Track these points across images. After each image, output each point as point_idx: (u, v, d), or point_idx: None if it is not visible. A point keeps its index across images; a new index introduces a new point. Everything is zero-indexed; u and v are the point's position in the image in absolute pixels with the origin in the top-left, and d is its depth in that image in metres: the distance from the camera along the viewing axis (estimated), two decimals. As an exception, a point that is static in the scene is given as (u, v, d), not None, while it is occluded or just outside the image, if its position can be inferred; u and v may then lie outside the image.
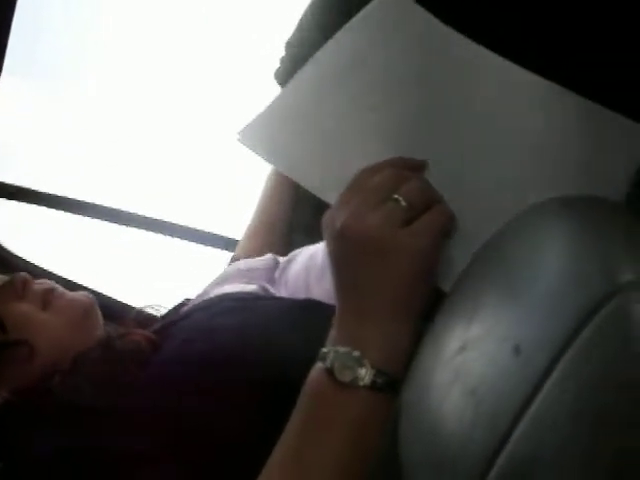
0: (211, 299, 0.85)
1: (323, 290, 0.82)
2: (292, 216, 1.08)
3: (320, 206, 0.61)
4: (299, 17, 0.90)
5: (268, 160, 0.67)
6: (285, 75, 0.92)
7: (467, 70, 0.59)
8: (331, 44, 0.63)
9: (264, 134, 0.65)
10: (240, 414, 0.64)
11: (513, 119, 0.57)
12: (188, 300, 0.94)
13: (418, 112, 0.60)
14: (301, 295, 0.87)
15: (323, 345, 0.55)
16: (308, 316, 0.74)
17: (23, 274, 0.80)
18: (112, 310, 0.93)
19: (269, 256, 0.98)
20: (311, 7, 0.87)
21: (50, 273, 1.51)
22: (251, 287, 0.89)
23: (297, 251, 0.95)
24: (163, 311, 0.93)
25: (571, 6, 0.59)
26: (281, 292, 0.91)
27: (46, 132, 1.88)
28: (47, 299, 0.79)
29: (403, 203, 0.53)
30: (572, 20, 0.59)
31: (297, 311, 0.77)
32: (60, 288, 0.82)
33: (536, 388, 0.34)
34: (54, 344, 0.75)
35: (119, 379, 0.68)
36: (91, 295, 0.83)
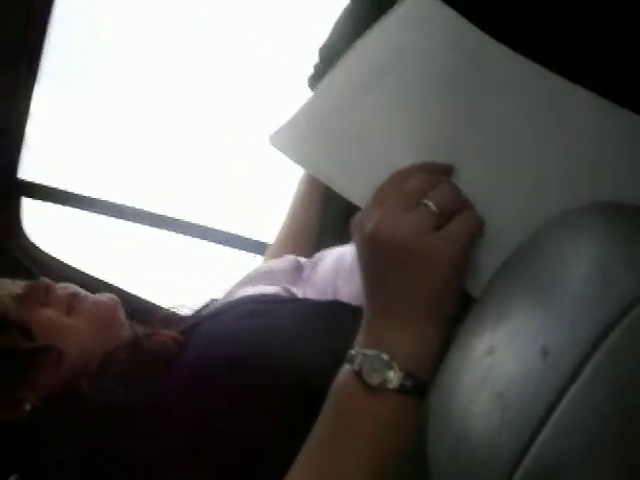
0: (234, 301, 0.86)
1: (351, 291, 0.82)
2: (322, 220, 1.08)
3: (349, 209, 0.61)
4: (332, 23, 0.90)
5: (299, 163, 0.67)
6: (318, 81, 0.93)
7: (498, 74, 0.58)
8: (360, 46, 0.62)
9: (295, 137, 0.65)
10: (265, 417, 0.64)
11: (544, 124, 0.57)
12: (214, 300, 0.95)
13: (448, 116, 0.59)
14: (329, 296, 0.87)
15: (348, 347, 0.55)
16: (332, 318, 0.74)
17: (45, 280, 0.80)
18: (139, 309, 0.93)
19: (290, 257, 0.98)
20: (344, 13, 0.87)
21: (77, 271, 1.53)
22: (273, 288, 0.90)
23: (324, 252, 0.95)
24: (189, 311, 0.94)
25: (579, 9, 0.58)
26: (308, 292, 0.91)
27: (72, 133, 1.91)
28: (71, 304, 0.79)
29: (433, 208, 0.54)
30: (580, 22, 0.58)
31: (321, 314, 0.77)
32: (83, 292, 0.82)
33: (563, 391, 0.34)
34: (81, 348, 0.76)
35: (146, 380, 0.69)
36: (115, 296, 0.83)
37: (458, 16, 0.59)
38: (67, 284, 0.83)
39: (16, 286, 0.79)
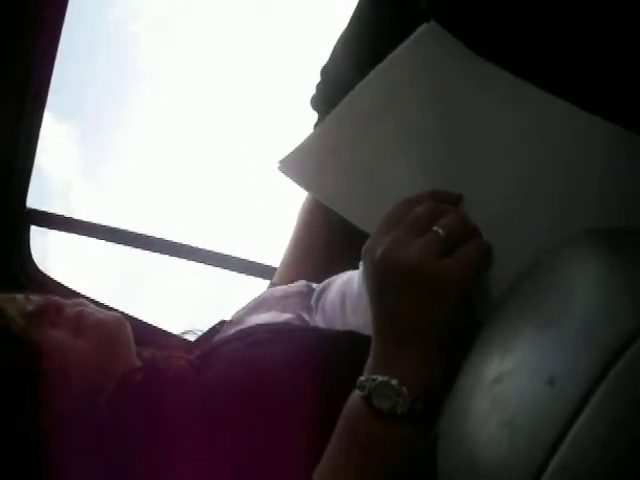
0: (249, 328, 0.86)
1: (359, 319, 0.82)
2: (327, 242, 1.08)
3: (354, 233, 0.61)
4: (333, 44, 0.90)
5: (307, 189, 0.68)
6: (321, 101, 0.93)
7: (506, 103, 0.59)
8: (371, 77, 0.64)
9: (304, 164, 0.66)
10: (277, 444, 0.64)
11: (549, 152, 0.57)
12: (223, 322, 0.94)
13: (455, 145, 0.60)
14: (337, 322, 0.87)
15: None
16: (345, 349, 0.74)
17: (56, 299, 0.80)
18: (148, 335, 0.93)
19: (302, 282, 0.99)
20: (344, 33, 0.87)
21: (86, 298, 1.52)
22: (286, 315, 0.90)
23: (332, 278, 0.95)
24: (196, 336, 0.93)
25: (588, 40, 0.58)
26: (317, 319, 0.91)
27: (81, 161, 1.93)
28: (79, 323, 0.78)
29: (442, 234, 0.54)
30: (588, 54, 0.58)
31: (334, 344, 0.77)
32: (90, 307, 0.81)
33: (570, 421, 0.34)
34: (87, 369, 0.75)
35: (162, 401, 0.69)
36: (120, 316, 0.82)
37: (465, 48, 0.60)
38: (77, 300, 0.82)
39: (29, 303, 0.78)
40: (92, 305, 0.82)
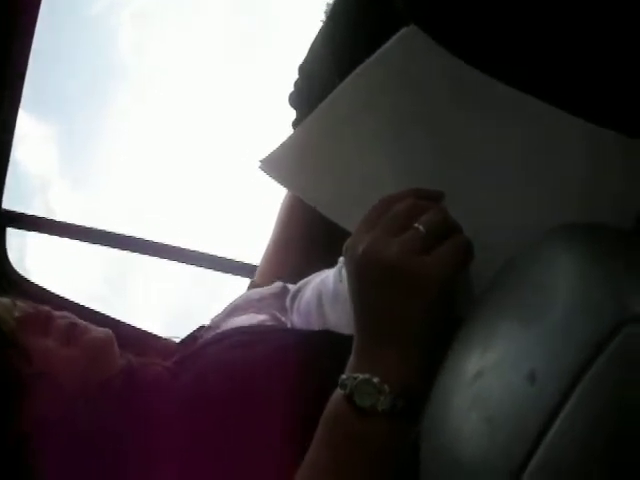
0: (229, 330, 0.86)
1: (339, 316, 0.82)
2: (306, 237, 1.08)
3: (333, 229, 0.61)
4: (310, 42, 0.90)
5: (288, 188, 0.68)
6: (298, 98, 0.92)
7: (486, 104, 0.59)
8: (352, 78, 0.64)
9: (285, 163, 0.66)
10: (256, 446, 0.64)
11: (529, 150, 0.58)
12: (202, 328, 0.94)
13: (435, 145, 0.61)
14: (313, 321, 0.87)
15: (337, 375, 0.55)
16: (319, 348, 0.74)
17: (46, 309, 0.80)
18: (125, 336, 0.92)
19: (278, 284, 0.99)
20: (322, 29, 0.87)
21: (65, 300, 1.52)
22: (262, 317, 0.90)
23: (307, 278, 0.95)
24: (179, 339, 0.93)
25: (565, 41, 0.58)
26: (293, 319, 0.91)
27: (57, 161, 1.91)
28: (69, 335, 0.78)
29: (422, 231, 0.54)
30: (566, 55, 0.59)
31: (308, 344, 0.77)
32: (81, 323, 0.81)
33: (551, 418, 0.34)
34: (76, 377, 0.75)
35: (138, 408, 0.69)
36: (109, 331, 0.82)
37: (444, 50, 0.60)
38: (66, 313, 0.82)
39: (16, 309, 0.78)
40: (81, 320, 0.82)
